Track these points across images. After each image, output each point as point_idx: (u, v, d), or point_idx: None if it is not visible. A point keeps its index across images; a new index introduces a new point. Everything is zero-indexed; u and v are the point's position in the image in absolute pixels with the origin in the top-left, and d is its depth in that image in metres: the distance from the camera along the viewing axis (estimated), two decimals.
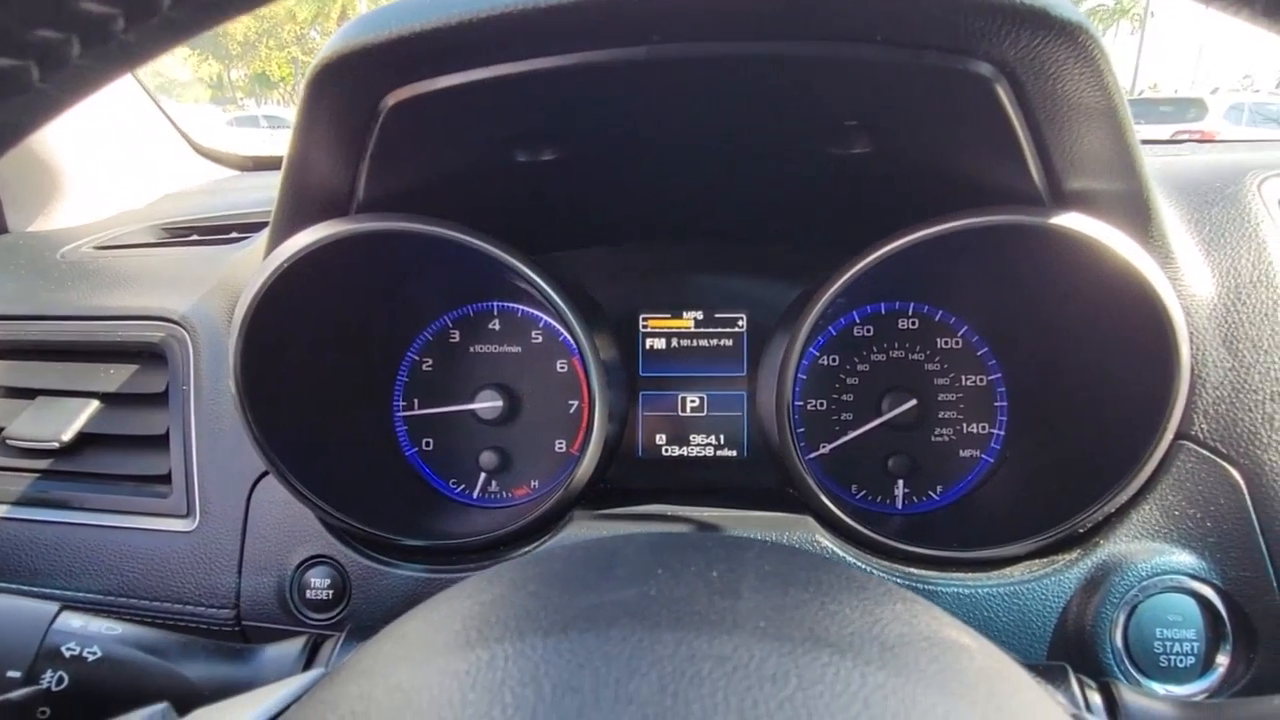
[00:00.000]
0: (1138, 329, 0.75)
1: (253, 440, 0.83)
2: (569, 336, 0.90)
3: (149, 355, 0.98)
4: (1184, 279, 0.79)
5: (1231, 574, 0.75)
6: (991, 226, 0.77)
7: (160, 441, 0.95)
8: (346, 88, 0.67)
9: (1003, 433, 1.02)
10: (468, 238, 0.81)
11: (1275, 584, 0.74)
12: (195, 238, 1.21)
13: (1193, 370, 0.77)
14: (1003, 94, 0.65)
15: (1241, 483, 0.76)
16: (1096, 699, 0.56)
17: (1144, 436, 0.76)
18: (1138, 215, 0.76)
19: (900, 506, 1.05)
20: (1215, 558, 0.76)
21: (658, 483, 1.10)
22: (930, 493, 1.04)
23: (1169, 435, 0.76)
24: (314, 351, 0.93)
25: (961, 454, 1.04)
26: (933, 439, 1.04)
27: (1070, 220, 0.74)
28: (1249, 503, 0.75)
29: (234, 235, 1.17)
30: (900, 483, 1.04)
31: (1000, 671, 0.37)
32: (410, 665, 0.36)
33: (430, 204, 0.83)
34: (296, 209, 0.81)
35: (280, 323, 0.83)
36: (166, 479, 0.94)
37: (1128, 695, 0.55)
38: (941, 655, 0.35)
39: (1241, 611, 0.75)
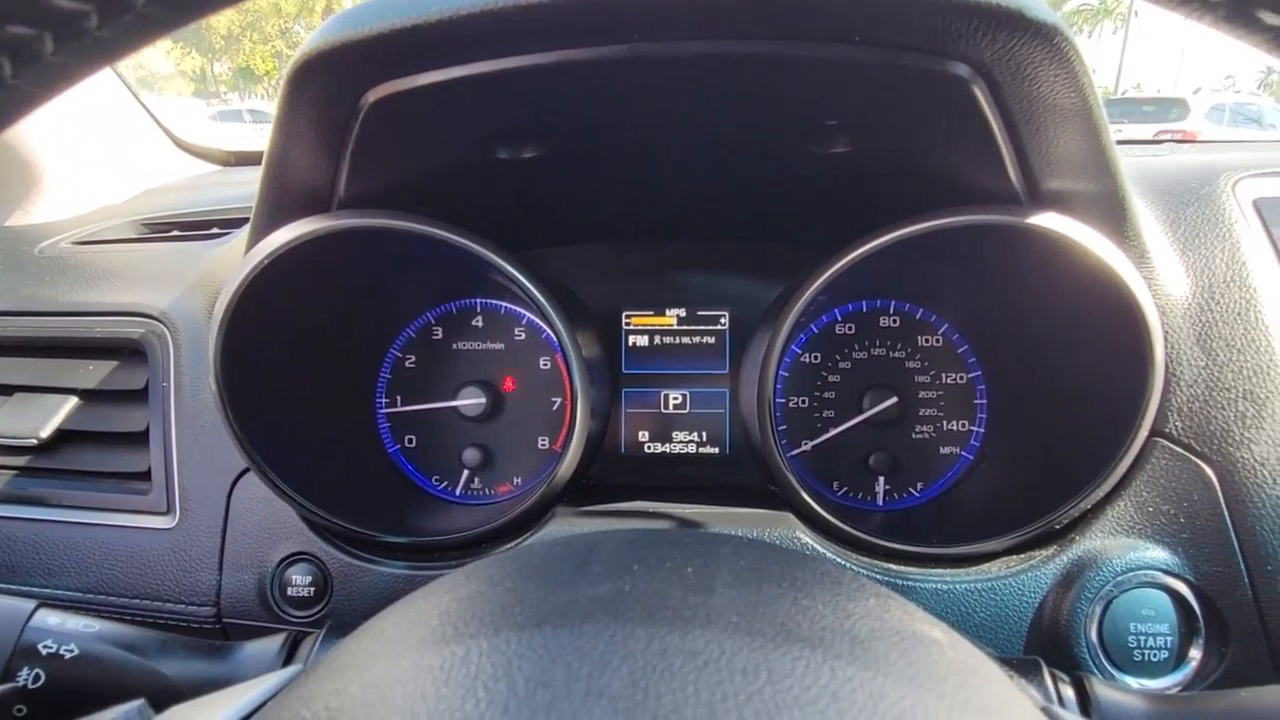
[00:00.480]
0: (1113, 328, 0.76)
1: (233, 437, 0.83)
2: (551, 334, 0.90)
3: (128, 351, 0.98)
4: (1159, 278, 0.79)
5: (1204, 569, 0.76)
6: (970, 226, 0.77)
7: (140, 438, 0.94)
8: (327, 84, 0.66)
9: (982, 430, 1.03)
10: (449, 234, 0.81)
11: (1247, 579, 0.75)
12: (176, 233, 1.20)
13: (1167, 368, 0.78)
14: (980, 95, 0.65)
15: (1214, 479, 0.77)
16: (1069, 692, 0.56)
17: (1120, 434, 0.77)
18: (1113, 215, 0.77)
19: (881, 503, 1.05)
20: (1188, 553, 0.77)
21: (641, 479, 1.10)
22: (911, 489, 1.05)
23: (1144, 432, 0.77)
24: (295, 348, 0.92)
25: (942, 451, 1.04)
26: (913, 436, 1.05)
27: (1047, 220, 0.74)
28: (1221, 499, 0.76)
29: (215, 231, 1.16)
30: (881, 480, 1.05)
31: (971, 665, 0.37)
32: (386, 661, 0.36)
33: (412, 200, 0.82)
34: (277, 205, 0.81)
35: (261, 319, 0.83)
36: (146, 476, 0.93)
37: (1100, 689, 0.56)
38: (912, 649, 0.36)
39: (1214, 606, 0.76)
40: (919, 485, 1.05)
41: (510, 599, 0.39)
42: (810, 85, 0.69)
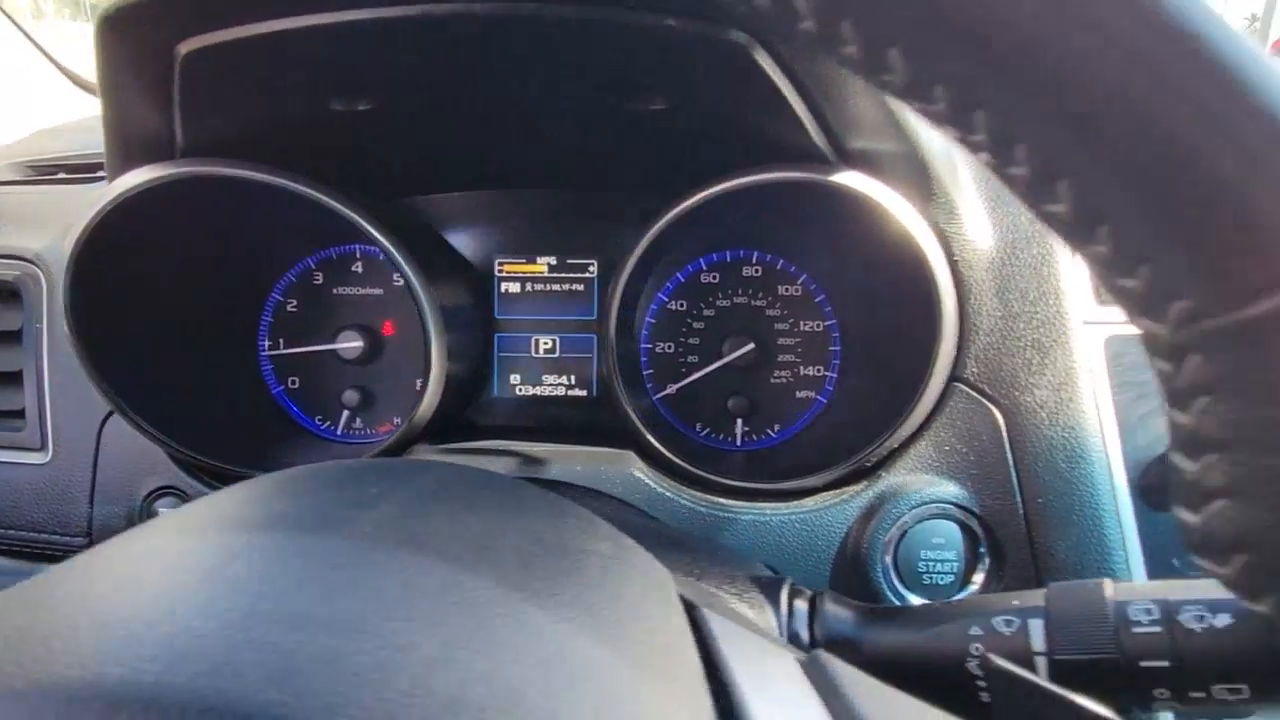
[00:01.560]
0: (912, 281, 0.82)
1: (91, 377, 0.86)
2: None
3: (5, 294, 1.00)
4: (966, 233, 0.84)
5: (988, 503, 0.83)
6: (782, 182, 0.81)
7: (15, 378, 0.98)
8: (136, 37, 0.68)
9: (836, 375, 1.09)
10: (287, 182, 0.83)
11: (1022, 510, 0.82)
12: (62, 176, 1.21)
13: (969, 318, 0.83)
14: (762, 61, 0.68)
15: (1001, 421, 0.83)
16: (802, 607, 0.63)
17: (919, 379, 0.83)
18: (918, 174, 0.81)
19: (739, 444, 1.11)
20: (975, 488, 0.84)
21: (512, 420, 1.15)
22: (769, 431, 1.11)
23: (939, 379, 0.82)
24: (160, 292, 0.95)
25: (798, 395, 1.10)
26: (771, 380, 1.10)
27: (846, 178, 0.79)
28: (1006, 438, 0.83)
29: (101, 174, 1.17)
30: (739, 422, 1.11)
31: (617, 573, 0.42)
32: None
33: (259, 148, 0.85)
34: (124, 152, 0.83)
35: (116, 263, 0.86)
36: (21, 414, 0.97)
37: (829, 604, 0.62)
38: (561, 560, 0.41)
39: (994, 536, 0.83)
40: (775, 427, 1.11)
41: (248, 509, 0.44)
42: (606, 46, 0.72)
